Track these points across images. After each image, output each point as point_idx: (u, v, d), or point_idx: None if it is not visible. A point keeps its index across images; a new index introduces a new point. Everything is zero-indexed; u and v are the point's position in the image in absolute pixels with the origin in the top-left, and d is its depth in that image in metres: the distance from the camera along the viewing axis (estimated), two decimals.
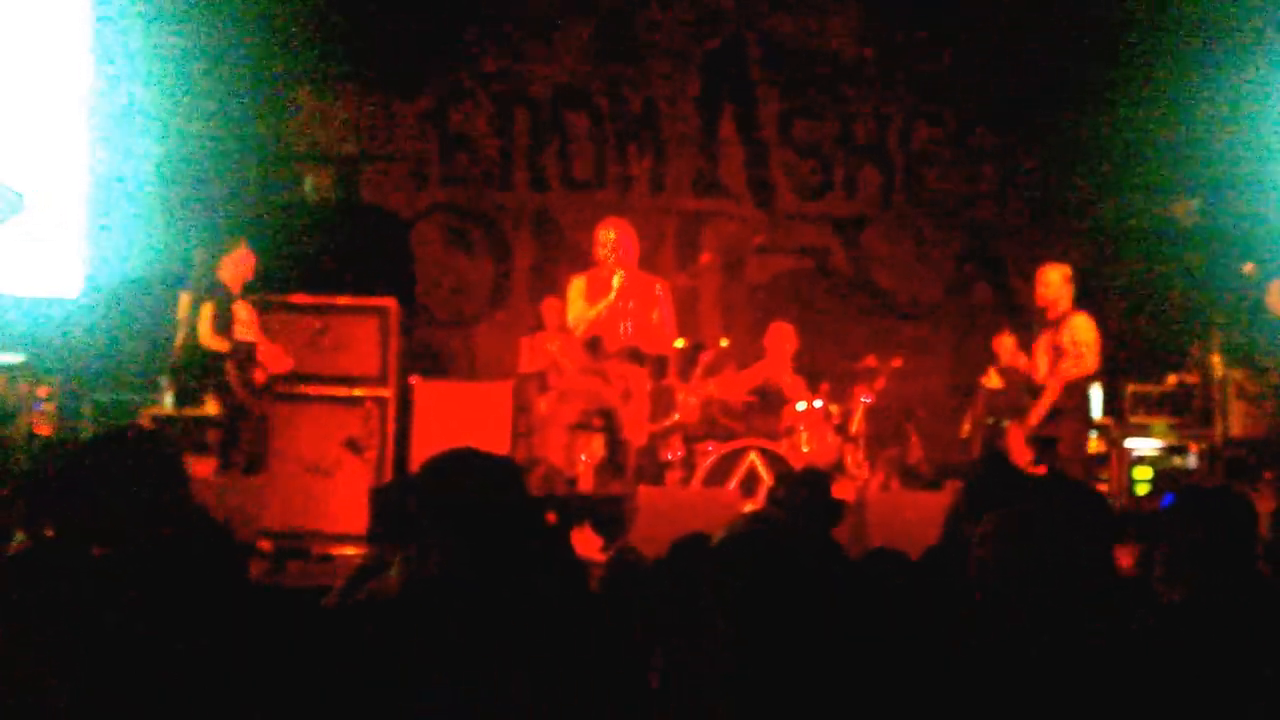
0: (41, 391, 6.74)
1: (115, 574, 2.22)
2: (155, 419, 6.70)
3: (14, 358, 6.69)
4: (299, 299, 6.93)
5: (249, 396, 6.42)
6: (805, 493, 4.33)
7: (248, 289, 6.52)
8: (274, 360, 6.50)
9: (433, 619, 2.15)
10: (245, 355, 6.40)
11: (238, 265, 6.61)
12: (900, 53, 8.57)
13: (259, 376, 6.44)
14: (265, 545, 5.94)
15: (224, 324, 6.38)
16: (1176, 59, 8.15)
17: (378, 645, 2.15)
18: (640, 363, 6.79)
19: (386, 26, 8.37)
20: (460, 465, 2.39)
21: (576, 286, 6.74)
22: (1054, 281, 6.42)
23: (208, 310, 6.44)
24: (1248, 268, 6.96)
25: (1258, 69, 8.03)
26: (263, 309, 6.65)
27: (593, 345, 6.69)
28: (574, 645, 2.21)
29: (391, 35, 8.39)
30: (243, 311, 6.53)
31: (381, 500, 3.84)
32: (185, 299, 7.09)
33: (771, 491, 4.80)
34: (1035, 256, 8.34)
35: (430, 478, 2.38)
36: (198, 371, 6.41)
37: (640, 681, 2.54)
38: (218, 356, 6.34)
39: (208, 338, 6.39)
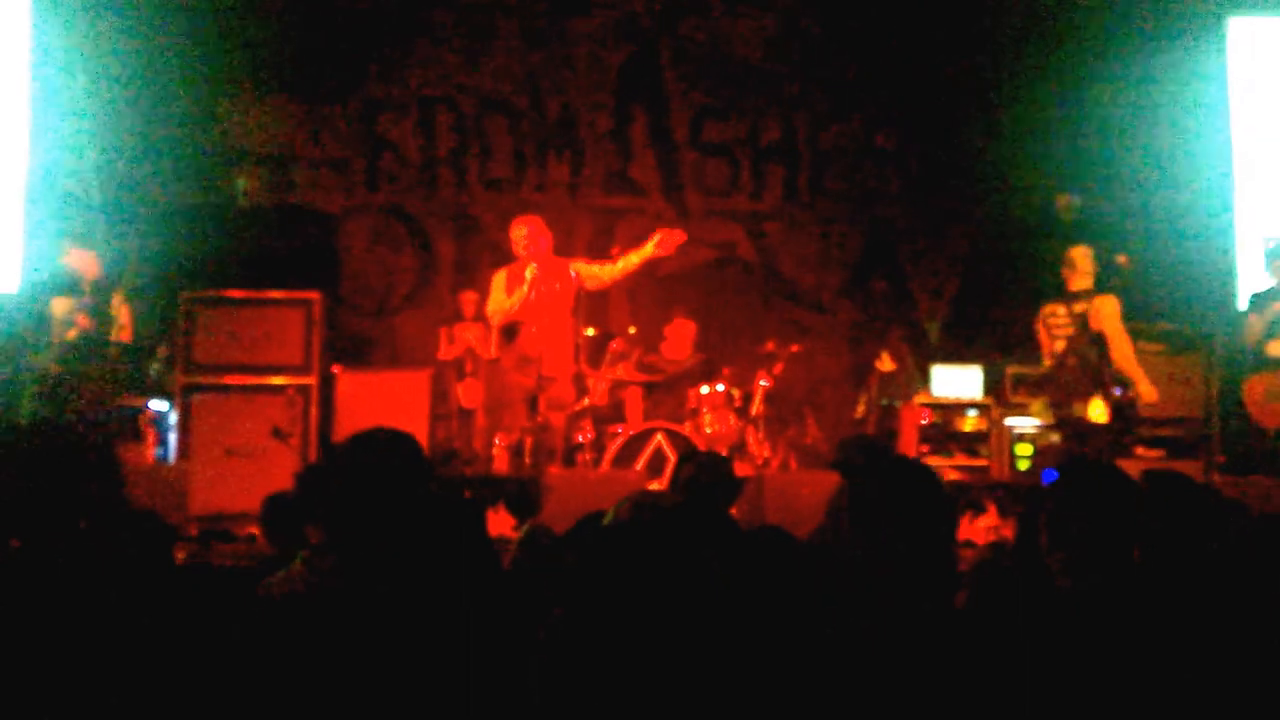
0: None
1: (34, 565, 2.32)
2: (89, 409, 6.99)
3: None
4: (233, 294, 7.25)
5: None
6: (701, 472, 4.56)
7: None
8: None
9: (334, 609, 2.21)
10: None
11: None
12: (808, 58, 8.80)
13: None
14: (191, 529, 6.24)
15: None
16: (1061, 66, 8.52)
17: (286, 636, 2.19)
18: (555, 350, 7.15)
19: (318, 35, 8.58)
20: (367, 448, 2.40)
21: (498, 280, 7.09)
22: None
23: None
24: (1121, 259, 7.42)
25: (1133, 73, 8.48)
26: (199, 304, 6.95)
27: (508, 334, 7.07)
28: (485, 621, 2.26)
29: (323, 43, 8.61)
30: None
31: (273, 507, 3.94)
32: (119, 296, 7.40)
33: (674, 471, 5.10)
34: (928, 248, 8.82)
35: (345, 460, 2.39)
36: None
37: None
38: None
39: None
